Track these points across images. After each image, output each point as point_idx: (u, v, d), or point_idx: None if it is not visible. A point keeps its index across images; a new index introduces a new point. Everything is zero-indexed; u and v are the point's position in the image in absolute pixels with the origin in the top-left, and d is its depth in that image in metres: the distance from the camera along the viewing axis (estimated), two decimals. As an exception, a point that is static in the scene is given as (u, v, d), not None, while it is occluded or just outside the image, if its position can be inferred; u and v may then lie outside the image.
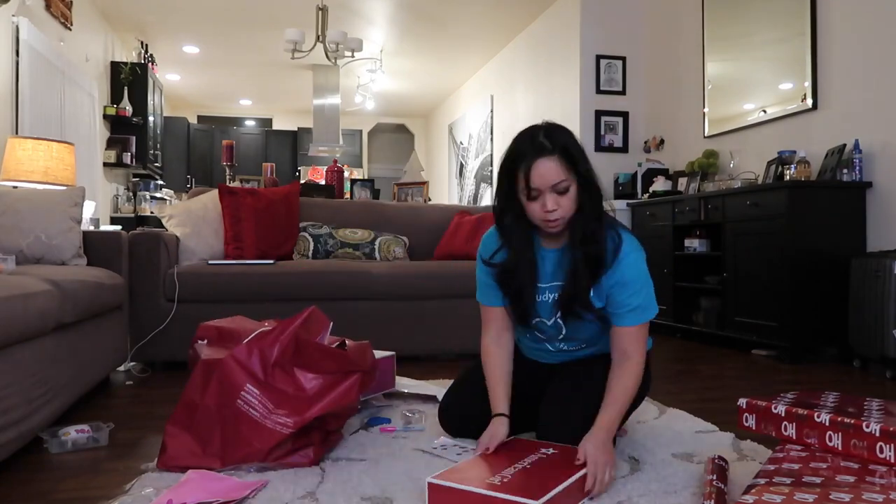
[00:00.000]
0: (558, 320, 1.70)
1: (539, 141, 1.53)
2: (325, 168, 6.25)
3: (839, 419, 1.32)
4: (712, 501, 1.27)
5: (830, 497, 1.10)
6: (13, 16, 4.38)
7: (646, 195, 5.01)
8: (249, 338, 1.77)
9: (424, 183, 5.10)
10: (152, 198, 7.37)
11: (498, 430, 1.59)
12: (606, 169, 5.58)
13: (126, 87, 6.81)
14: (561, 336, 1.74)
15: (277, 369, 1.68)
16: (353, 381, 1.70)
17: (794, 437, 1.38)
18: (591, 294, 1.63)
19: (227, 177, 5.26)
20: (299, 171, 10.38)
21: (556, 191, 1.53)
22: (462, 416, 1.83)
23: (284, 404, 1.62)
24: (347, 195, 5.56)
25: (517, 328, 1.83)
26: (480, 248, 1.76)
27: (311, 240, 3.55)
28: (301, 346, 1.70)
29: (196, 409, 1.63)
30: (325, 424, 1.69)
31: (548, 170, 1.51)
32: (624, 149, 5.65)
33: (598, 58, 5.61)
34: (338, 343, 1.85)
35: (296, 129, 10.68)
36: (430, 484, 1.35)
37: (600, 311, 1.64)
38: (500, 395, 1.68)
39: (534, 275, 1.68)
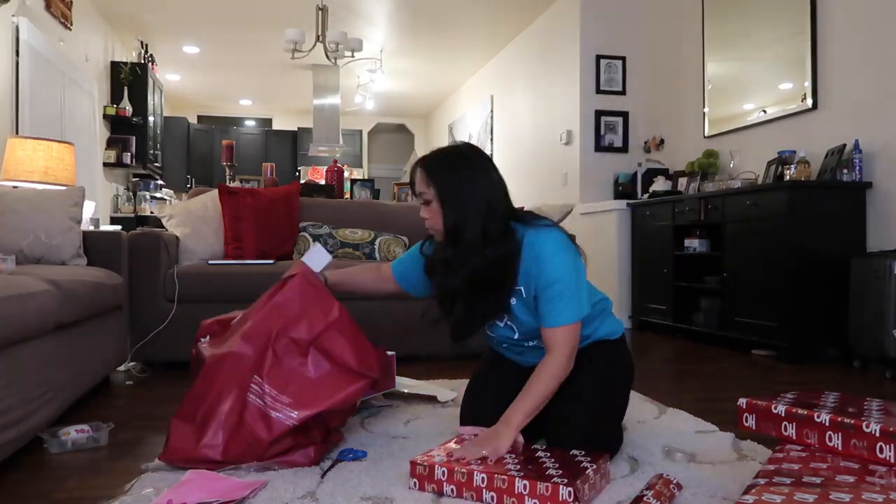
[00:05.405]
0: (508, 323, 1.74)
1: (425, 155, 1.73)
2: (325, 168, 6.24)
3: (839, 419, 1.32)
4: None
5: (830, 497, 1.10)
6: (13, 16, 4.38)
7: (646, 195, 5.01)
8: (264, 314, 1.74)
9: (424, 183, 5.08)
10: (152, 198, 7.37)
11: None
12: (606, 169, 5.59)
13: (126, 87, 6.81)
14: (517, 336, 1.76)
15: (292, 345, 1.67)
16: (362, 385, 1.69)
17: (794, 437, 1.38)
18: (514, 302, 1.68)
19: (227, 177, 5.26)
20: (299, 171, 10.38)
21: (423, 200, 1.68)
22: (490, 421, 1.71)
23: (289, 389, 1.61)
24: (347, 195, 5.56)
25: (489, 338, 1.88)
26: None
27: (311, 240, 3.55)
28: (340, 326, 1.69)
29: (202, 401, 1.63)
30: (327, 422, 1.69)
31: (416, 178, 1.69)
32: (624, 149, 5.65)
33: (598, 58, 5.61)
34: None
35: (296, 129, 10.68)
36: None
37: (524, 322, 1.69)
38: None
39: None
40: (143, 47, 7.25)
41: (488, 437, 1.53)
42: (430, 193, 1.65)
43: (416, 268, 1.87)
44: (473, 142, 8.69)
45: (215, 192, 3.53)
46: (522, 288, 1.66)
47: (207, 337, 2.01)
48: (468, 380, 1.96)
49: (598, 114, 5.61)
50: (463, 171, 1.65)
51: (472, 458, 1.46)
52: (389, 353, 2.35)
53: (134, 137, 6.83)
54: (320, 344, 1.68)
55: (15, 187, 3.42)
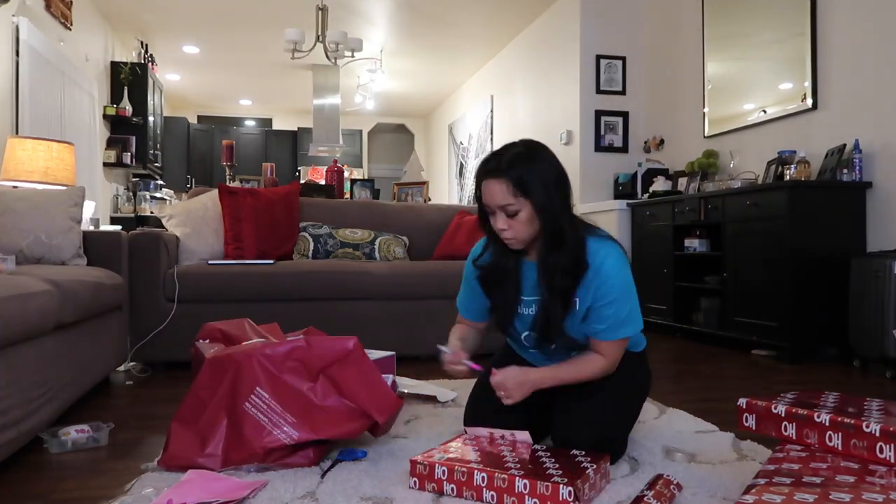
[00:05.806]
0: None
1: (491, 162, 1.57)
2: (325, 168, 6.25)
3: (839, 419, 1.32)
4: None
5: (830, 497, 1.10)
6: (13, 16, 4.38)
7: (646, 195, 5.01)
8: (265, 342, 1.75)
9: (424, 183, 5.09)
10: (152, 198, 7.37)
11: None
12: (606, 169, 5.59)
13: (126, 87, 6.81)
14: (553, 347, 1.73)
15: (302, 369, 1.67)
16: (364, 424, 1.67)
17: (794, 437, 1.38)
18: (567, 321, 1.63)
19: (227, 177, 5.25)
20: (299, 171, 10.38)
21: (506, 213, 1.56)
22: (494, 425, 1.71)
23: (293, 407, 1.61)
24: (347, 195, 5.56)
25: (511, 343, 1.85)
26: (472, 249, 1.79)
27: (311, 240, 3.55)
28: (352, 361, 1.68)
29: (204, 407, 1.63)
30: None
31: (495, 191, 1.55)
32: (624, 149, 5.65)
33: (598, 58, 5.61)
34: None
35: (296, 129, 10.68)
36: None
37: (574, 340, 1.66)
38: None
39: (517, 284, 1.68)
40: (143, 47, 7.25)
41: (517, 375, 1.60)
42: (518, 204, 1.54)
43: (475, 294, 1.79)
44: (473, 142, 8.69)
45: (215, 192, 3.53)
46: (578, 299, 1.60)
47: (207, 340, 2.01)
48: (468, 380, 1.95)
49: (598, 114, 5.61)
50: (551, 178, 1.58)
51: (508, 384, 1.59)
52: (389, 353, 2.36)
53: (134, 137, 6.83)
54: (330, 373, 1.67)
55: (15, 187, 3.42)
